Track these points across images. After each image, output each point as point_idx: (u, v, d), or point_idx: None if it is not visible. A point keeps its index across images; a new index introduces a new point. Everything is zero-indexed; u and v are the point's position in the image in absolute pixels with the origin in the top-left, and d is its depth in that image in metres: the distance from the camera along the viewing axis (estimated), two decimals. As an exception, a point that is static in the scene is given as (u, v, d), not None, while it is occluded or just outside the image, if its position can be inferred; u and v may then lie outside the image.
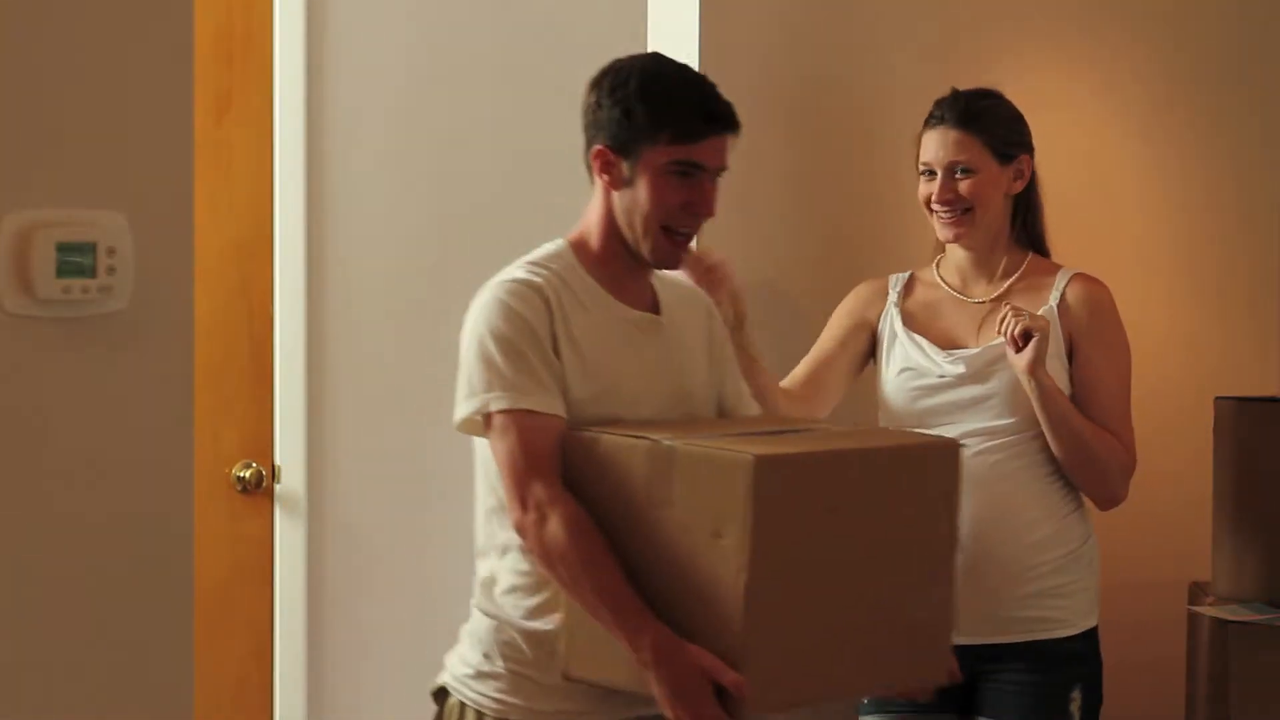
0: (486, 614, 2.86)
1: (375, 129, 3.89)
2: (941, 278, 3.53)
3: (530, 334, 2.78)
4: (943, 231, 3.45)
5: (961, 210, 3.42)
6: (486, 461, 2.84)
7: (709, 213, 2.90)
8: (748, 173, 3.75)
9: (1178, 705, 3.73)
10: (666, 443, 2.67)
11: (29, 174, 2.16)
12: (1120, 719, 3.61)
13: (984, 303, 3.47)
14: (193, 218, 2.30)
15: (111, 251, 2.19)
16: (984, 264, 3.49)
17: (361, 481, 3.91)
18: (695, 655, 2.62)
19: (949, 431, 3.32)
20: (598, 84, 2.89)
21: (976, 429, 3.38)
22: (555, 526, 2.69)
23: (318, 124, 3.84)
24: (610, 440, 2.73)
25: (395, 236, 3.90)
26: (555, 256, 2.89)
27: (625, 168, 2.84)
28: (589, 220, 2.91)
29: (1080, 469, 3.39)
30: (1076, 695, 3.40)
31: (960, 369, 3.41)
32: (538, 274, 2.85)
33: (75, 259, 2.17)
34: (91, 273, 2.18)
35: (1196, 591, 3.73)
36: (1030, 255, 3.49)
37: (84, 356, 2.20)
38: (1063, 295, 3.44)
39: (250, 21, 3.83)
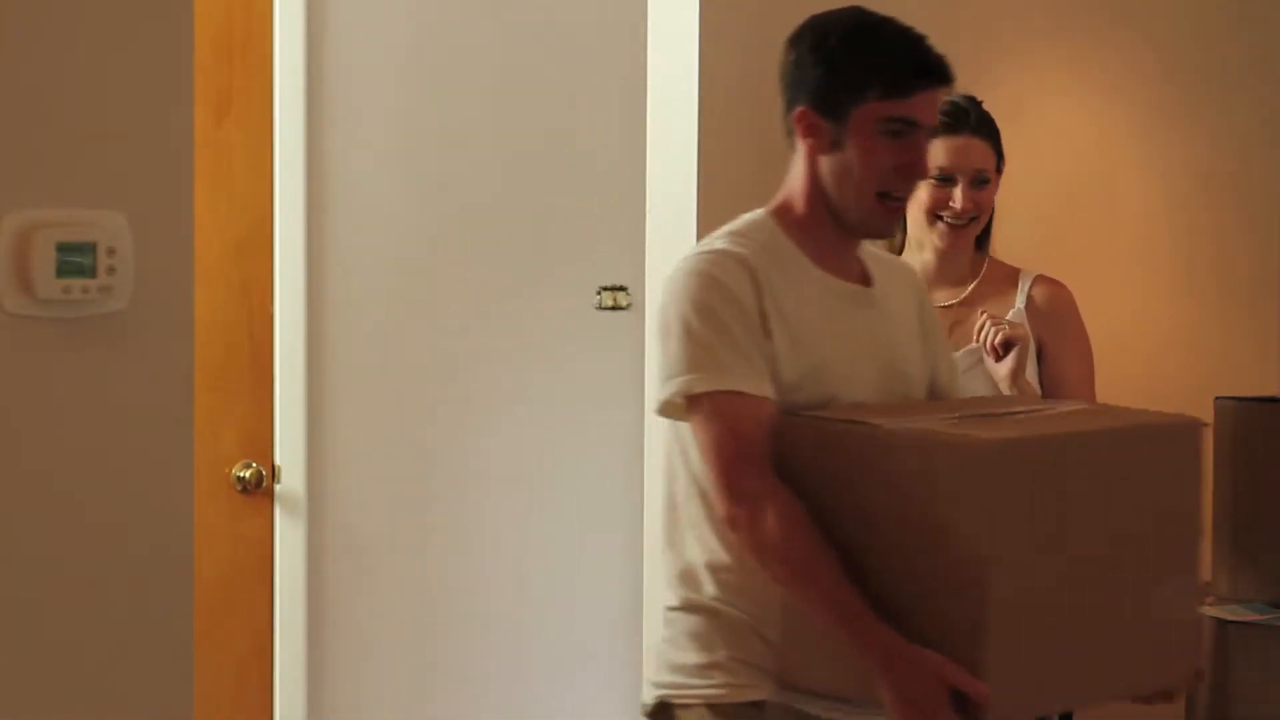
0: (695, 606, 2.65)
1: (375, 129, 3.89)
2: None
3: (738, 309, 2.55)
4: (944, 241, 3.43)
5: (969, 219, 3.42)
6: (684, 444, 2.62)
7: (924, 174, 2.72)
8: (752, 172, 3.75)
9: (1178, 705, 3.73)
10: (888, 427, 2.46)
11: (29, 174, 2.16)
12: (1120, 718, 3.61)
13: (950, 306, 3.47)
14: (193, 218, 2.30)
15: (111, 251, 2.19)
16: (951, 269, 3.50)
17: (361, 481, 3.91)
18: (930, 660, 2.39)
19: None
20: (797, 40, 2.68)
21: None
22: (771, 521, 2.48)
23: (318, 124, 3.84)
24: (827, 425, 2.52)
25: (395, 236, 3.90)
26: (757, 226, 2.68)
27: (832, 129, 2.63)
28: (791, 187, 2.70)
29: None
30: None
31: None
32: (741, 245, 2.63)
33: (75, 259, 2.16)
34: (91, 273, 2.18)
35: (1196, 591, 3.74)
36: (986, 257, 3.51)
37: (84, 356, 2.20)
38: (1029, 297, 3.47)
39: (250, 21, 3.83)
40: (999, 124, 3.48)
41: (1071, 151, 3.94)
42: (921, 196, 3.43)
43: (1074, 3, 4.04)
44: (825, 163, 2.65)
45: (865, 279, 2.73)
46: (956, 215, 3.42)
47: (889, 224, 2.73)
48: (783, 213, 2.69)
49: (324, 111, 3.84)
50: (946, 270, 3.50)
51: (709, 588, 2.63)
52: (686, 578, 2.66)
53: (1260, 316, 4.12)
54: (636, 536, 3.78)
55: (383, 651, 3.92)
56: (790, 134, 2.68)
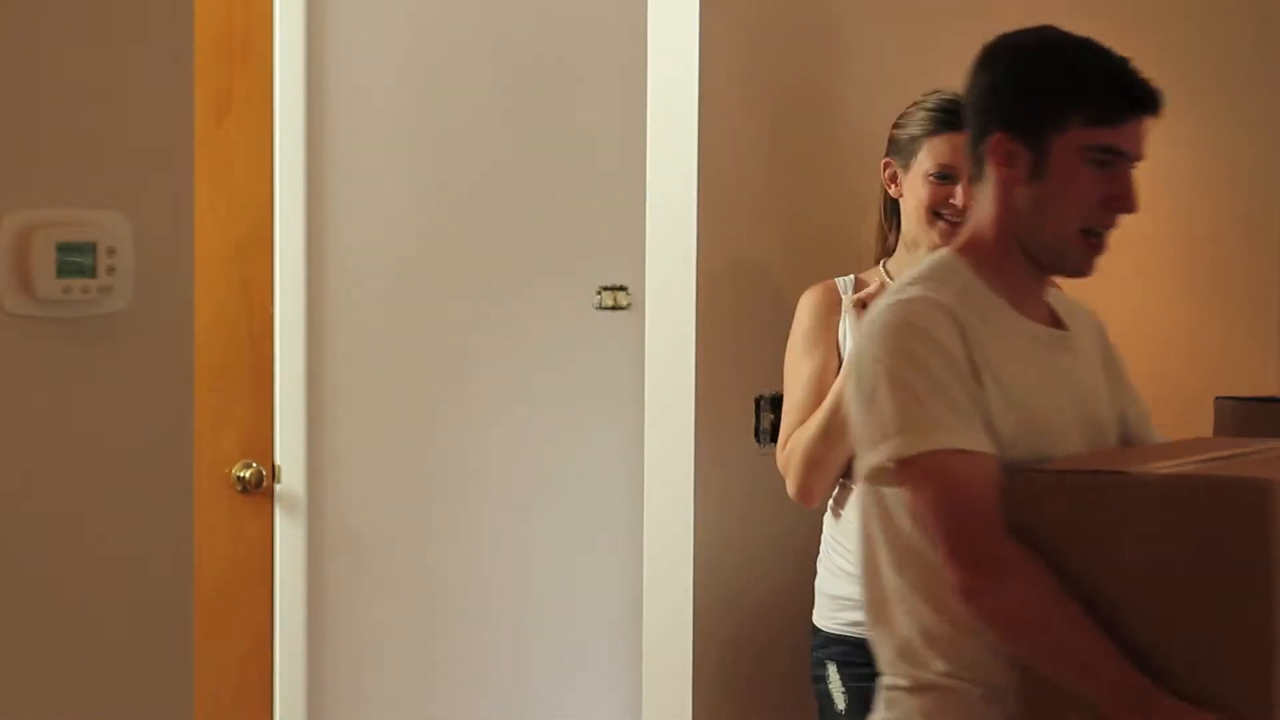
0: (924, 685, 2.42)
1: (375, 129, 3.89)
2: (895, 279, 3.49)
3: (949, 361, 2.33)
4: (943, 239, 3.42)
5: (963, 217, 3.43)
6: (887, 510, 2.41)
7: (1132, 207, 2.47)
8: (752, 172, 3.75)
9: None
10: (1141, 473, 2.24)
11: (29, 174, 2.16)
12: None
13: None
14: (193, 218, 2.30)
15: (111, 251, 2.19)
16: None
17: (361, 481, 3.91)
18: None
19: None
20: (991, 62, 2.51)
21: None
22: (1018, 590, 2.27)
23: (318, 124, 3.84)
24: (1077, 479, 2.29)
25: (395, 236, 3.90)
26: (949, 269, 2.46)
27: (1031, 159, 2.42)
28: (981, 223, 2.49)
29: None
30: None
31: None
32: (938, 291, 2.40)
33: (75, 259, 2.17)
34: (91, 273, 2.18)
35: (1196, 591, 3.73)
36: None
37: (84, 356, 2.20)
38: None
39: (250, 21, 3.83)
40: None
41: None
42: (921, 194, 3.43)
43: (1074, 3, 4.04)
44: (1022, 195, 2.44)
45: (1057, 321, 2.55)
46: (957, 213, 3.42)
47: (1089, 262, 2.50)
48: (973, 251, 2.48)
49: (324, 111, 3.84)
50: None
51: (936, 663, 2.41)
52: (906, 655, 2.44)
53: (1260, 316, 4.12)
54: (636, 536, 3.78)
55: (383, 651, 3.92)
56: (979, 164, 2.48)
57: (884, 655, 2.47)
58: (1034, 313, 2.49)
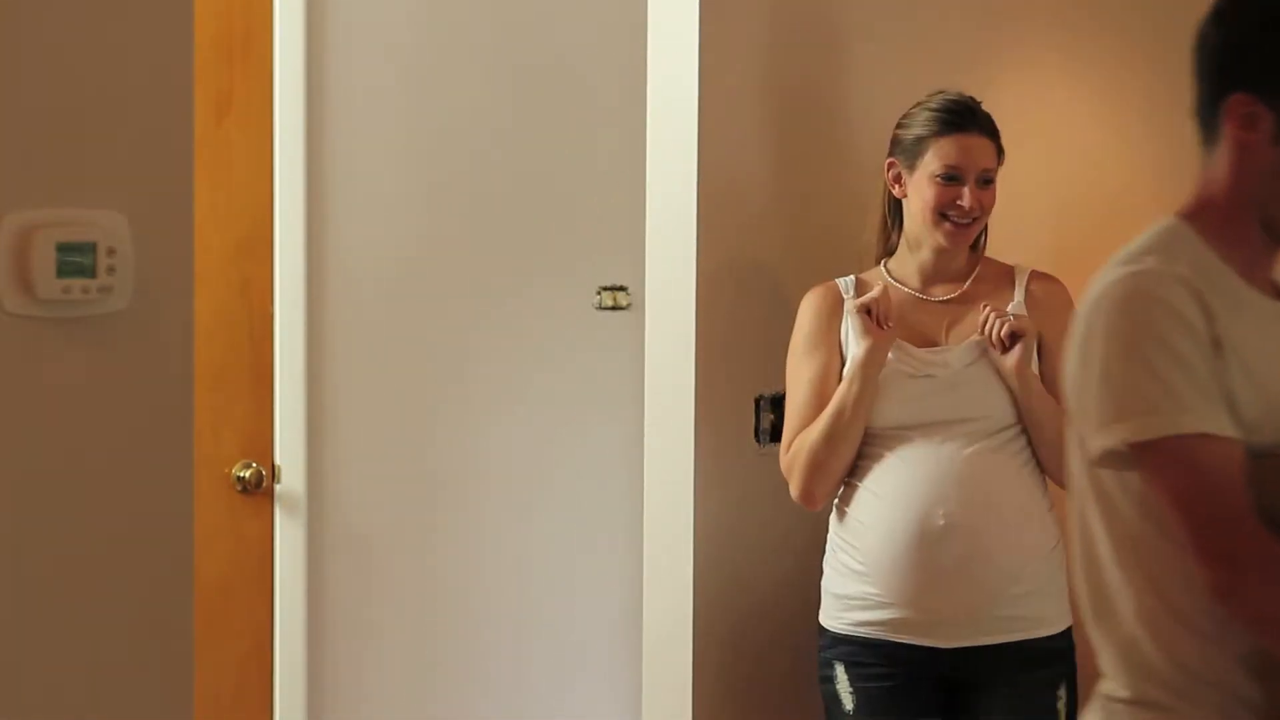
0: (1147, 703, 2.19)
1: (375, 129, 3.89)
2: (897, 279, 3.52)
3: (1191, 336, 2.12)
4: (949, 240, 3.44)
5: (973, 219, 3.43)
6: (1112, 498, 2.20)
7: None
8: (752, 172, 3.75)
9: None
10: None
11: (29, 174, 2.16)
12: None
13: (947, 302, 3.49)
14: (193, 218, 2.30)
15: (111, 251, 2.19)
16: (948, 265, 3.50)
17: (361, 481, 3.91)
18: None
19: (938, 432, 3.33)
20: (1233, 14, 2.29)
21: (967, 428, 3.38)
22: (1276, 587, 2.07)
23: (318, 124, 3.84)
24: None
25: (395, 236, 3.90)
26: (1178, 237, 2.25)
27: (1275, 122, 2.20)
28: (1210, 189, 2.29)
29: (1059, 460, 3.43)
30: (1062, 693, 3.41)
31: (945, 369, 3.42)
32: (1171, 263, 2.18)
33: (75, 259, 2.16)
34: (91, 273, 2.18)
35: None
36: (980, 255, 3.52)
37: (84, 356, 2.20)
38: (1028, 292, 3.47)
39: (250, 21, 3.83)
40: (998, 125, 3.48)
41: (1070, 153, 3.93)
42: (928, 195, 3.43)
43: (1074, 4, 4.04)
44: (1265, 161, 2.22)
45: None
46: (963, 214, 3.42)
47: None
48: (1201, 218, 2.27)
49: (324, 111, 3.84)
50: (943, 268, 3.51)
51: (1165, 669, 2.18)
52: (1130, 659, 2.21)
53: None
54: (636, 536, 3.78)
55: (383, 651, 3.92)
56: (1210, 126, 2.30)
57: (1104, 658, 2.25)
58: (1266, 286, 2.27)
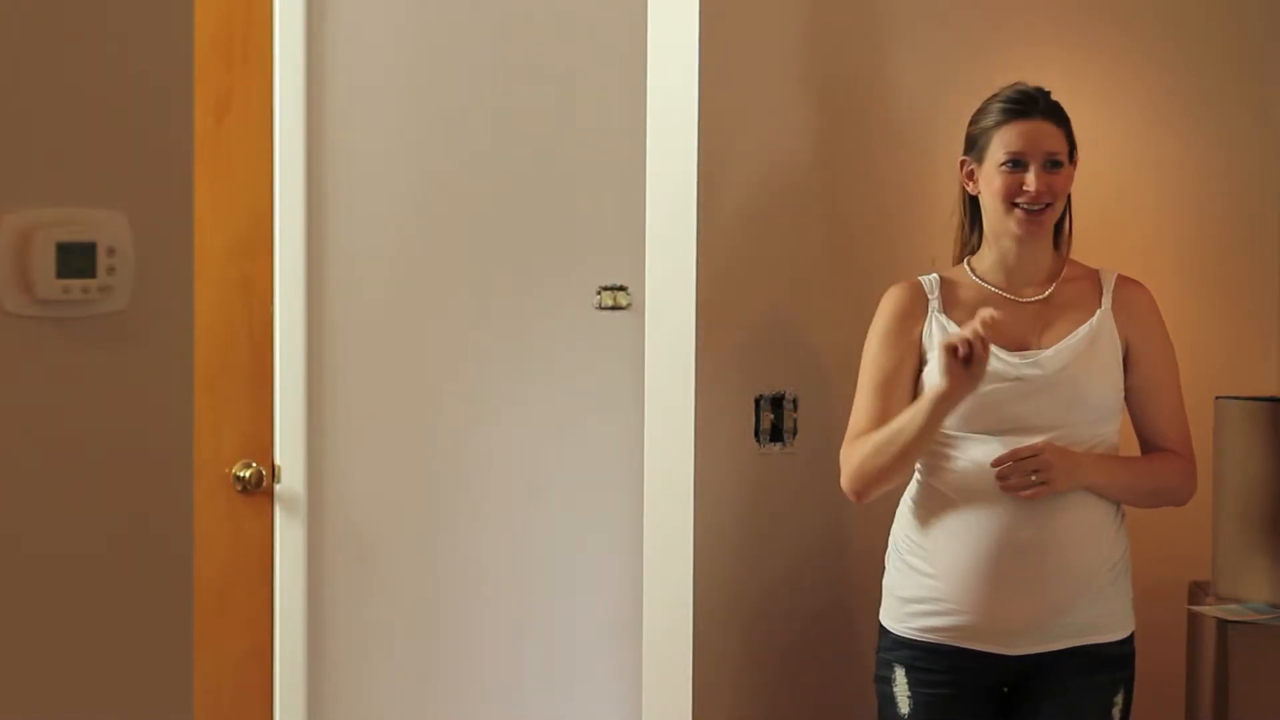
0: None
1: (375, 129, 3.89)
2: (981, 278, 3.45)
3: None
4: (1021, 227, 3.37)
5: (1044, 205, 3.38)
6: None
7: None
8: (752, 172, 3.75)
9: (1178, 705, 3.73)
10: None
11: (29, 174, 2.16)
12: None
13: (1036, 302, 3.41)
14: (193, 218, 2.29)
15: (111, 251, 2.19)
16: (1032, 263, 3.43)
17: (361, 481, 3.91)
18: None
19: (1028, 436, 3.29)
20: None
21: (1050, 436, 3.31)
22: None
23: (318, 124, 3.84)
24: None
25: (395, 236, 3.90)
26: None
27: None
28: None
29: (1153, 503, 3.47)
30: (1119, 699, 3.38)
31: (1037, 371, 3.34)
32: None
33: (75, 259, 2.16)
34: (91, 273, 2.18)
35: (1196, 591, 3.73)
36: (1065, 255, 3.47)
37: (84, 356, 2.20)
38: (1114, 298, 3.43)
39: (250, 21, 3.83)
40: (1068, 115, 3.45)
41: (1078, 151, 3.93)
42: (996, 185, 3.37)
43: (1075, 4, 4.04)
44: None
45: None
46: (1032, 199, 3.34)
47: None
48: None
49: (324, 111, 3.84)
50: (1027, 263, 3.42)
51: None
52: None
53: (1261, 317, 4.12)
54: (636, 537, 3.78)
55: (383, 651, 3.92)
56: None
57: None
58: None
